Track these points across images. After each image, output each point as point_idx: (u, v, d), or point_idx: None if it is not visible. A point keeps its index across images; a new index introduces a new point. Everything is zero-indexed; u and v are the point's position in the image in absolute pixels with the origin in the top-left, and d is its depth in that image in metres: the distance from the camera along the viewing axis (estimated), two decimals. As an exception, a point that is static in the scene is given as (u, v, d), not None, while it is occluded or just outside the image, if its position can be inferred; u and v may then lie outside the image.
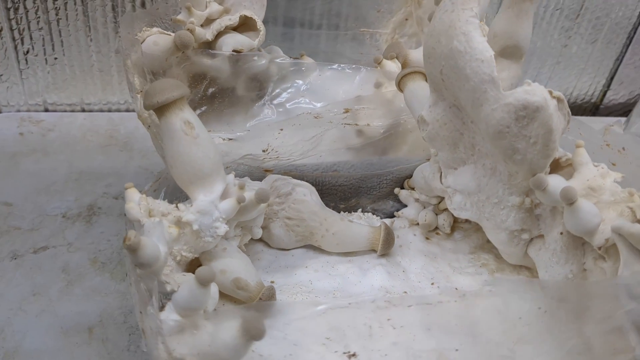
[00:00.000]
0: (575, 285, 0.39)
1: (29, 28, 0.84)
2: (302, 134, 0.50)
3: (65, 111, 0.99)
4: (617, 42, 1.00)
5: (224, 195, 0.43)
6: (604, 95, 1.05)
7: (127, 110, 1.01)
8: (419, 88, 0.49)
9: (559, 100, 0.41)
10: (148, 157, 0.92)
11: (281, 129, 0.49)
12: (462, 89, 0.42)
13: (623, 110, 1.07)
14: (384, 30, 0.70)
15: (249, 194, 0.43)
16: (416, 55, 0.62)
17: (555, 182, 0.43)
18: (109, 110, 1.02)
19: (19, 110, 0.95)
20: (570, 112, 0.42)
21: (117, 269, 0.75)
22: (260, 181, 0.51)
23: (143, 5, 0.86)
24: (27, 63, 0.88)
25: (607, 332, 0.39)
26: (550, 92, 0.40)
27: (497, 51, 0.57)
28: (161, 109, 0.41)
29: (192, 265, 0.46)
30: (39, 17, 0.83)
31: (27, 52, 0.86)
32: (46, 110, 0.97)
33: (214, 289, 0.39)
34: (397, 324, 0.36)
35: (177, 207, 0.42)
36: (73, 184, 0.86)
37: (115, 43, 0.90)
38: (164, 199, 0.44)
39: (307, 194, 0.51)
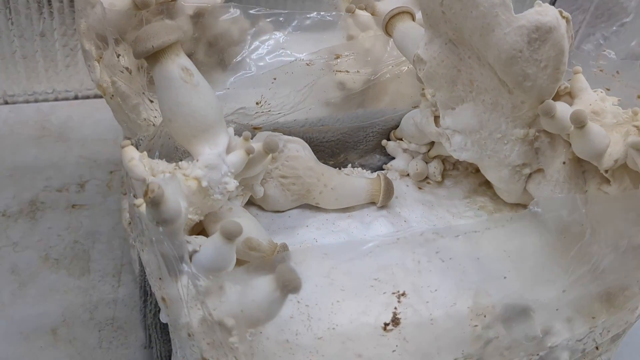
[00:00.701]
0: (610, 198, 0.39)
1: (-63, 13, 0.75)
2: (295, 84, 0.46)
3: (-15, 106, 0.90)
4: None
5: (228, 149, 0.39)
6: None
7: (57, 99, 0.93)
8: (410, 28, 0.48)
9: (567, 20, 0.40)
10: (88, 146, 0.85)
11: (274, 78, 0.46)
12: (469, 17, 0.41)
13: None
14: (341, -14, 0.68)
15: (256, 145, 0.40)
16: (383, 6, 0.61)
17: (563, 108, 0.43)
18: (36, 101, 0.93)
19: None
20: (573, 35, 0.42)
21: (73, 264, 0.69)
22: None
23: (69, -20, 0.79)
24: (-63, 53, 0.78)
25: (625, 250, 0.39)
26: (561, 12, 0.40)
27: None
28: (156, 55, 0.36)
29: (193, 232, 0.42)
30: (-52, 0, 0.74)
31: (-64, 40, 0.77)
32: (-37, 106, 0.87)
33: (233, 247, 0.36)
34: (446, 257, 0.34)
35: (177, 166, 0.38)
36: (7, 180, 0.78)
37: (39, 25, 0.82)
38: (159, 160, 0.39)
39: (299, 149, 0.48)
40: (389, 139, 0.55)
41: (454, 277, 0.34)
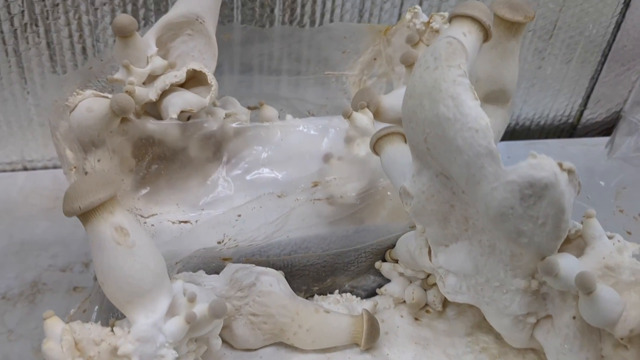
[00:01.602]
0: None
1: (-43, 84, 0.74)
2: (265, 216, 0.42)
3: (5, 170, 0.90)
4: (592, 61, 0.96)
5: (171, 310, 0.35)
6: (581, 114, 1.02)
7: (74, 167, 0.92)
8: (399, 153, 0.42)
9: (569, 172, 0.34)
10: (98, 219, 0.83)
11: (239, 215, 0.41)
12: (453, 163, 0.35)
13: (600, 129, 1.04)
14: (351, 72, 0.63)
15: (200, 308, 0.35)
16: (389, 101, 0.55)
17: (568, 264, 0.36)
18: (54, 167, 0.93)
19: (-46, 172, 0.85)
20: (580, 182, 0.36)
21: (65, 358, 0.66)
22: (218, 273, 0.43)
23: (84, 51, 0.77)
24: (-43, 121, 0.78)
25: None
26: (560, 165, 0.33)
27: (481, 97, 0.50)
28: (86, 215, 0.33)
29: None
30: (-33, 72, 0.74)
31: (-43, 110, 0.77)
32: (-17, 171, 0.87)
33: None
34: None
35: (112, 330, 0.34)
36: (13, 257, 0.77)
37: (55, 94, 0.82)
38: (96, 320, 0.36)
39: (273, 283, 0.43)
40: (384, 259, 0.50)
41: None
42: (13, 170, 0.92)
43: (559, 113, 1.01)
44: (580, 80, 0.98)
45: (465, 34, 0.34)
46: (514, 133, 0.97)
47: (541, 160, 0.33)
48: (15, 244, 0.79)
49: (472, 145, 0.33)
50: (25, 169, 0.93)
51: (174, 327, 0.34)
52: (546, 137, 1.03)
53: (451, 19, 0.36)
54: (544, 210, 0.34)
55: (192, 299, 0.35)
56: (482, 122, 0.33)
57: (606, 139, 0.92)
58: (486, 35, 0.36)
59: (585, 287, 0.34)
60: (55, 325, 0.32)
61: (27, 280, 0.74)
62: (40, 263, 0.76)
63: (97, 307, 0.36)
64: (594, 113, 1.02)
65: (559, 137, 1.02)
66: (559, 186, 0.33)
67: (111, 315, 0.39)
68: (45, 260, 0.77)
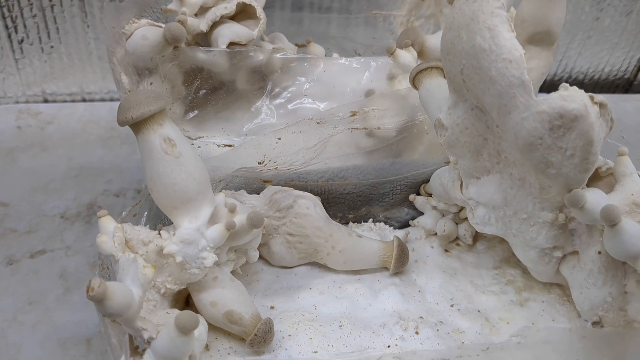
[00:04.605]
0: (620, 336, 0.33)
1: (22, 15, 0.78)
2: (304, 142, 0.44)
3: (65, 101, 0.94)
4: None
5: (212, 219, 0.38)
6: (639, 70, 0.99)
7: (129, 99, 0.95)
8: (437, 86, 0.43)
9: (601, 105, 0.34)
10: (151, 150, 0.87)
11: (279, 138, 0.44)
12: (487, 93, 0.36)
13: (658, 86, 1.01)
14: (399, 12, 0.63)
15: (240, 219, 0.38)
16: (434, 41, 0.56)
17: (594, 198, 0.37)
18: (111, 100, 0.97)
19: (17, 102, 0.90)
20: (613, 118, 0.36)
21: (117, 274, 0.71)
22: (258, 193, 0.45)
23: (139, -12, 0.80)
24: (22, 52, 0.83)
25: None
26: (592, 98, 0.34)
27: (525, 38, 0.50)
28: (137, 125, 0.35)
29: (181, 295, 0.41)
30: (31, 3, 0.77)
31: (22, 40, 0.81)
32: (45, 100, 0.92)
33: (200, 329, 0.34)
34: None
35: (159, 234, 0.37)
36: (72, 181, 0.82)
37: (113, 21, 0.85)
38: (145, 224, 0.39)
39: (310, 206, 0.45)
40: (418, 193, 0.52)
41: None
42: (73, 101, 0.97)
43: (615, 67, 0.98)
44: (640, 34, 0.95)
45: (506, -35, 0.35)
46: (565, 86, 0.95)
47: (572, 92, 0.34)
48: (74, 169, 0.84)
49: (505, 76, 0.34)
50: (84, 100, 0.97)
51: (215, 233, 0.37)
52: (600, 92, 1.01)
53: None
54: (573, 142, 0.35)
55: (232, 210, 0.38)
56: (516, 53, 0.34)
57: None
58: (527, -32, 0.36)
59: (609, 219, 0.35)
60: (108, 223, 0.35)
61: (84, 203, 0.79)
62: (96, 187, 0.81)
63: (146, 212, 0.39)
64: (653, 69, 0.99)
65: (613, 92, 1.00)
66: (588, 118, 0.34)
67: (159, 222, 0.42)
68: (101, 185, 0.82)
